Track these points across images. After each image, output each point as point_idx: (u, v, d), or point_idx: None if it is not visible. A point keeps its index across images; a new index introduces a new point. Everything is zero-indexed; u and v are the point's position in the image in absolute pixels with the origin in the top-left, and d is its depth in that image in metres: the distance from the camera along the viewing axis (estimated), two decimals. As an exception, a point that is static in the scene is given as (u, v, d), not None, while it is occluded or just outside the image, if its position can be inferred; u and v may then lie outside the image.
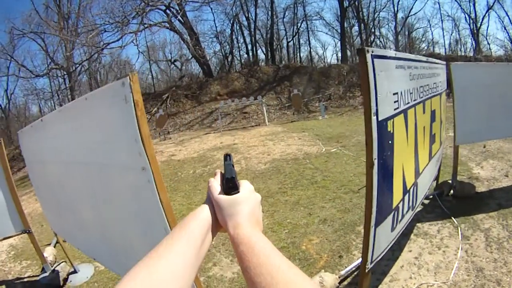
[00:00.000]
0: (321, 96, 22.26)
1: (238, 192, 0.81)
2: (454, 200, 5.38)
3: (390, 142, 2.28)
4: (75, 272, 4.85)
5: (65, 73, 26.18)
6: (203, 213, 0.80)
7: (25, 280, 4.84)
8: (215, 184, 0.86)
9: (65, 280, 4.68)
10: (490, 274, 3.62)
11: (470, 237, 4.38)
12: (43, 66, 27.67)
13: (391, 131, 2.28)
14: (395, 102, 2.37)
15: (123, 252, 2.49)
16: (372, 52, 2.07)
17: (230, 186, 0.81)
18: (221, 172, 0.94)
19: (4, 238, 4.53)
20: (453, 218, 4.84)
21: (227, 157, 0.99)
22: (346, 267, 4.06)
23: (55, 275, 4.55)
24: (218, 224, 0.81)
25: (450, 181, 5.54)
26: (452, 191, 5.49)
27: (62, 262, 4.83)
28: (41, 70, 27.00)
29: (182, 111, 23.51)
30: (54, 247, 5.54)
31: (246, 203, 0.80)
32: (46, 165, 3.29)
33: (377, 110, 2.02)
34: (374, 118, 1.99)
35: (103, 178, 2.20)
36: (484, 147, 8.17)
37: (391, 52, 2.58)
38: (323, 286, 3.37)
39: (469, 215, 4.89)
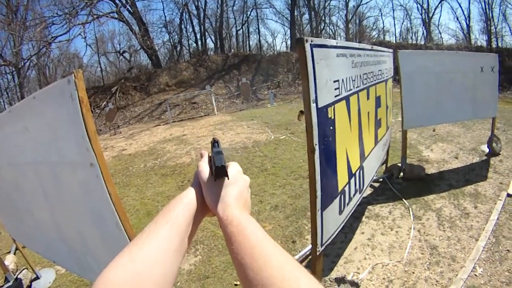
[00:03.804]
0: (270, 84, 22.40)
1: (228, 178, 0.79)
2: (404, 182, 5.61)
3: (331, 128, 2.36)
4: (37, 278, 4.69)
5: (13, 69, 24.85)
6: (188, 197, 0.79)
7: (-11, 292, 4.63)
8: (204, 167, 0.84)
9: (29, 287, 4.53)
10: (445, 251, 3.81)
11: (422, 217, 4.59)
12: None
13: (332, 117, 2.35)
14: (335, 89, 2.44)
15: (80, 250, 2.47)
16: (312, 41, 2.11)
17: (219, 174, 0.78)
18: (209, 155, 0.92)
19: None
20: (404, 199, 5.05)
21: (215, 143, 0.97)
22: (299, 252, 4.15)
23: (18, 284, 4.40)
24: (205, 208, 0.79)
25: (399, 164, 5.76)
26: (402, 174, 5.71)
27: (24, 269, 4.67)
28: None
29: (131, 103, 22.95)
30: (14, 254, 5.31)
31: (235, 185, 0.79)
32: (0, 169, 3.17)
33: (316, 97, 2.07)
34: (313, 105, 2.05)
35: (56, 177, 2.19)
36: (434, 130, 8.54)
37: (332, 41, 2.65)
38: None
39: (420, 196, 5.12)
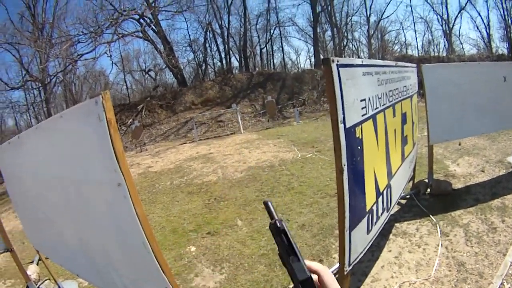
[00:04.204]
0: (295, 101, 22.35)
1: None
2: (431, 198, 5.49)
3: (359, 147, 2.35)
4: None
5: (40, 85, 25.58)
6: None
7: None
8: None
9: None
10: (472, 268, 3.70)
11: (449, 233, 4.47)
12: (17, 78, 26.89)
13: (360, 137, 2.35)
14: (362, 108, 2.44)
15: (104, 266, 2.49)
16: (338, 61, 2.13)
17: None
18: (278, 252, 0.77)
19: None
20: (431, 216, 4.94)
21: (278, 225, 0.78)
22: (327, 271, 4.09)
23: None
24: None
25: (426, 180, 5.66)
26: (428, 190, 5.61)
27: (46, 279, 4.75)
28: (16, 82, 26.28)
29: (157, 121, 23.30)
30: (37, 264, 5.39)
31: None
32: (24, 181, 3.26)
33: (344, 117, 2.08)
34: (341, 126, 2.05)
35: (81, 194, 2.22)
36: (460, 144, 8.36)
37: (358, 60, 2.66)
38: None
39: (447, 211, 5.00)
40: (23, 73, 26.36)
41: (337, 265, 4.04)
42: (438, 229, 4.58)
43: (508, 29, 26.20)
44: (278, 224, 0.76)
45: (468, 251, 4.02)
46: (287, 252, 0.71)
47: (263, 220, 5.97)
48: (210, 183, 8.78)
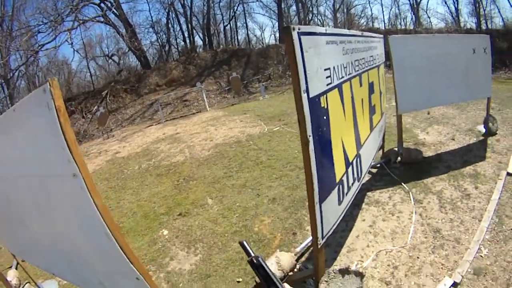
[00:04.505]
0: (261, 77, 22.18)
1: None
2: (402, 167, 5.56)
3: (325, 117, 2.30)
4: None
5: (2, 81, 24.56)
6: None
7: (-5, 312, 4.55)
8: None
9: None
10: (448, 234, 3.77)
11: (422, 200, 4.54)
12: None
13: (325, 107, 2.30)
14: (327, 77, 2.38)
15: (77, 262, 2.44)
16: (299, 29, 2.05)
17: None
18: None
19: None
20: (403, 183, 5.00)
21: (257, 265, 0.87)
22: (300, 244, 4.09)
23: None
24: None
25: (396, 149, 5.72)
26: (399, 158, 5.67)
27: (26, 283, 4.63)
28: None
29: (123, 106, 22.66)
30: (16, 268, 5.19)
31: None
32: None
33: (307, 87, 2.01)
34: (304, 95, 1.99)
35: (45, 190, 2.13)
36: (428, 113, 8.49)
37: (321, 29, 2.58)
38: (280, 265, 3.38)
39: (419, 179, 5.06)
40: (-17, 71, 25.25)
41: (311, 237, 4.08)
42: (411, 197, 4.63)
43: (477, 4, 26.53)
44: (255, 261, 0.86)
45: (443, 218, 4.08)
46: (267, 284, 0.78)
47: (233, 197, 5.94)
48: (178, 164, 8.68)
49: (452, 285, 3.09)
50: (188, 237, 5.00)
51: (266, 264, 0.82)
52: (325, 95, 2.30)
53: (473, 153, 5.76)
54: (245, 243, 0.90)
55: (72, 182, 1.71)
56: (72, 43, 23.99)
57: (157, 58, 32.39)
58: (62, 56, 35.16)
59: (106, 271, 2.21)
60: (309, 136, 2.04)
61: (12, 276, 4.76)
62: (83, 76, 32.58)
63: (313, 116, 2.07)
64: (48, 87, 1.59)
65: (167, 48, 32.83)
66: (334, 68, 2.55)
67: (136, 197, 7.17)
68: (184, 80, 23.47)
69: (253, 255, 0.86)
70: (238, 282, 3.85)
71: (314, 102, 2.12)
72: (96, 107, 21.39)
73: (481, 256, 3.36)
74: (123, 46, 29.61)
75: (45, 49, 24.01)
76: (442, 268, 3.34)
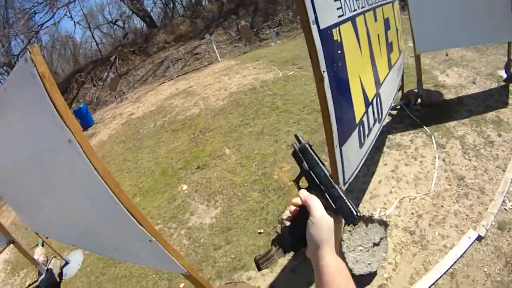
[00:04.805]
0: (271, 23, 21.47)
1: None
2: (423, 109, 5.33)
3: (339, 52, 2.11)
4: (67, 263, 4.79)
5: (8, 69, 24.60)
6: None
7: (27, 291, 4.70)
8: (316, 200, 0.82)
9: (60, 275, 4.61)
10: (472, 183, 3.63)
11: (445, 145, 4.36)
12: None
13: (339, 40, 2.10)
14: (338, 9, 2.17)
15: (90, 230, 2.46)
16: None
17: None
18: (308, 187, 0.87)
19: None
20: (424, 126, 4.82)
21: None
22: (322, 191, 4.02)
23: (50, 274, 4.46)
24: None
25: (415, 90, 5.47)
26: (419, 100, 5.43)
27: (53, 258, 4.75)
28: None
29: (133, 68, 22.43)
30: (42, 245, 5.37)
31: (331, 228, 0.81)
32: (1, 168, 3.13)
33: (316, 17, 1.82)
34: (314, 27, 1.80)
35: (46, 165, 2.10)
36: (447, 55, 8.08)
37: (328, -44, 2.34)
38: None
39: (440, 122, 4.86)
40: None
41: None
42: (434, 141, 4.47)
43: None
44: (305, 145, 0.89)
45: (466, 165, 3.93)
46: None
47: (250, 144, 5.87)
48: (193, 117, 8.61)
49: (476, 239, 3.01)
50: (207, 190, 5.00)
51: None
52: (337, 27, 2.10)
53: (495, 99, 5.42)
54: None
55: (68, 149, 1.66)
56: (71, 16, 23.80)
57: (162, 16, 31.82)
58: (65, 31, 34.94)
59: (118, 237, 2.21)
60: (323, 71, 1.87)
61: (39, 253, 4.93)
62: (89, 47, 32.54)
63: (326, 49, 1.89)
64: (28, 55, 1.52)
65: (171, 5, 32.07)
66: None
67: (153, 155, 7.21)
68: (192, 35, 22.94)
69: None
70: (260, 233, 3.85)
71: (326, 34, 1.93)
72: (106, 74, 21.28)
73: (505, 209, 3.23)
74: (125, 10, 29.20)
75: (45, 27, 23.92)
76: (466, 219, 3.24)
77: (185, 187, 5.31)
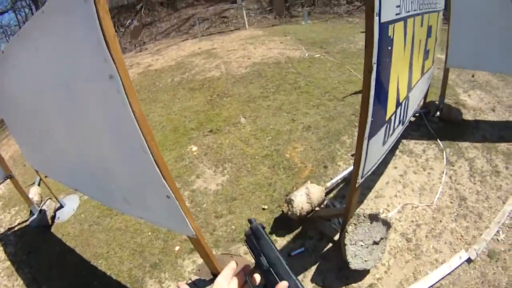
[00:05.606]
0: (305, 1, 21.23)
1: None
2: (440, 123, 5.38)
3: (389, 48, 2.17)
4: (61, 207, 4.78)
5: (30, 1, 24.25)
6: None
7: (16, 228, 4.70)
8: None
9: (53, 217, 4.60)
10: (473, 206, 3.71)
11: (455, 163, 4.43)
12: (5, 1, 25.61)
13: (391, 37, 2.16)
14: (397, 7, 2.22)
15: (103, 177, 2.41)
16: None
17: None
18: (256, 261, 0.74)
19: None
20: (438, 140, 4.87)
21: (256, 232, 0.77)
22: (331, 179, 4.10)
23: (42, 215, 4.46)
24: None
25: (437, 102, 5.51)
26: (438, 113, 5.47)
27: (48, 199, 4.72)
28: (4, 5, 25.13)
29: (158, 19, 21.93)
30: (39, 185, 5.38)
31: None
32: (16, 97, 3.03)
33: (380, 10, 1.87)
34: (376, 18, 1.85)
35: (73, 97, 2.02)
36: (473, 76, 8.06)
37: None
38: (310, 198, 3.41)
39: (454, 140, 4.90)
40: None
41: (342, 173, 4.06)
42: (445, 156, 4.53)
43: None
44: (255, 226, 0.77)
45: (470, 188, 4.00)
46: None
47: (267, 118, 5.87)
48: (213, 79, 8.53)
49: (466, 260, 3.11)
50: (217, 155, 5.02)
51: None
52: (393, 25, 2.15)
53: (510, 132, 5.48)
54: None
55: (107, 84, 1.56)
56: None
57: None
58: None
59: (133, 187, 2.15)
60: (374, 63, 1.92)
61: (34, 192, 4.89)
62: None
63: (381, 43, 1.95)
64: None
65: None
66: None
67: (166, 110, 7.16)
68: None
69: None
70: (263, 209, 3.91)
71: (384, 28, 1.98)
72: (129, 21, 20.96)
73: (498, 239, 3.31)
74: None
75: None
76: (460, 239, 3.34)
77: (194, 148, 5.31)
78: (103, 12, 1.43)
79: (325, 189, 3.75)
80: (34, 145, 3.43)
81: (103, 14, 1.43)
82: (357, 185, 2.57)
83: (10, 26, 27.78)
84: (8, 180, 4.27)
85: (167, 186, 1.85)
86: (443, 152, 4.61)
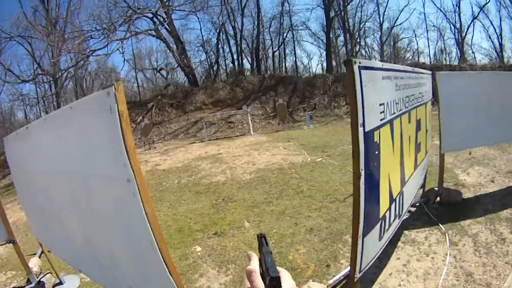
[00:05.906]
0: (306, 105, 22.35)
1: None
2: (441, 207, 5.43)
3: (376, 152, 2.31)
4: (60, 283, 4.69)
5: (51, 79, 25.47)
6: None
7: (11, 291, 4.64)
8: (259, 279, 0.79)
9: None
10: (480, 278, 3.64)
11: (458, 242, 4.41)
12: (29, 71, 27.11)
13: (378, 142, 2.31)
14: (381, 112, 2.40)
15: (109, 265, 2.43)
16: (360, 63, 2.09)
17: (274, 285, 0.74)
18: (260, 259, 0.90)
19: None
20: (440, 224, 4.88)
21: (262, 239, 0.94)
22: (334, 276, 4.04)
23: (41, 287, 4.43)
24: None
25: (436, 189, 5.60)
26: (438, 198, 5.54)
27: (48, 273, 4.72)
28: (27, 75, 26.37)
29: (167, 120, 23.25)
30: (39, 257, 5.36)
31: None
32: (31, 173, 3.21)
33: (363, 121, 2.04)
34: (361, 129, 2.01)
35: (87, 189, 2.14)
36: (470, 153, 8.26)
37: (378, 63, 2.62)
38: (312, 295, 3.36)
39: (456, 221, 4.93)
40: (34, 66, 26.54)
41: (345, 270, 4.02)
42: (447, 238, 4.52)
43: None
44: (262, 235, 0.95)
45: (476, 261, 3.96)
46: (268, 257, 0.84)
47: (271, 222, 5.92)
48: (218, 184, 8.75)
49: None
50: (221, 256, 5.00)
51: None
52: (378, 130, 2.31)
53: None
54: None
55: (125, 187, 1.69)
56: (123, 53, 24.81)
57: (205, 77, 33.37)
58: (112, 63, 36.68)
59: (139, 279, 2.16)
60: (361, 170, 2.05)
61: (34, 263, 4.89)
62: (130, 86, 33.99)
63: (367, 150, 2.09)
64: (113, 90, 1.59)
65: (215, 68, 33.84)
66: (387, 103, 2.56)
67: (172, 210, 7.28)
68: (230, 102, 23.98)
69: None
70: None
71: (369, 136, 2.14)
72: (141, 118, 21.98)
73: None
74: (172, 61, 30.87)
75: (96, 55, 24.99)
76: None
77: (199, 248, 5.32)
78: (126, 124, 1.61)
79: (328, 286, 3.70)
80: (41, 221, 3.48)
81: (126, 127, 1.60)
82: (355, 280, 2.56)
83: (30, 96, 29.27)
84: (9, 244, 4.26)
85: (174, 283, 1.88)
86: (445, 235, 4.59)
